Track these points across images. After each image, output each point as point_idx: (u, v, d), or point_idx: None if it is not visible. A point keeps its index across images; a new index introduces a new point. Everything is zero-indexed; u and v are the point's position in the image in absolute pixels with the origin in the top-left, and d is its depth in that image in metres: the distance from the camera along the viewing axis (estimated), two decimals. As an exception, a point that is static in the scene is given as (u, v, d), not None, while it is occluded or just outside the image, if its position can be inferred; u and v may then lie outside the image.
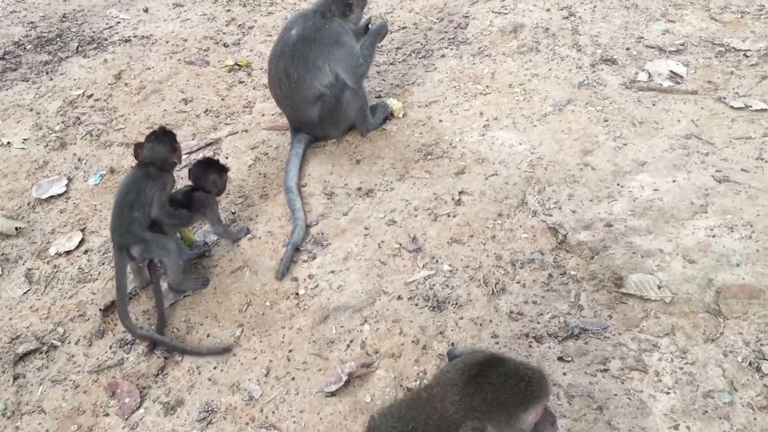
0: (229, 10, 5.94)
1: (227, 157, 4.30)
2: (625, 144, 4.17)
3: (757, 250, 3.39)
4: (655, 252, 3.43)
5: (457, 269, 3.44)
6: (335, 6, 4.12)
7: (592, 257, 3.47)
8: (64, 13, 5.97)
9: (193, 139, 4.44)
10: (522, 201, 3.80)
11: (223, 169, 3.59)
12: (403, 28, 5.64)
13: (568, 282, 3.35)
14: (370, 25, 4.34)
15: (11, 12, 6.04)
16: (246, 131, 4.51)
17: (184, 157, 4.26)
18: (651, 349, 3.02)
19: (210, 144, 4.40)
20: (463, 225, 3.68)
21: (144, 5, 6.03)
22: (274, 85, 4.17)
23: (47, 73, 5.11)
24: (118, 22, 5.80)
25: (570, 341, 3.07)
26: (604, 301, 3.24)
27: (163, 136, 3.34)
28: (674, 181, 3.85)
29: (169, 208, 3.33)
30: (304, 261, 3.54)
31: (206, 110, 4.70)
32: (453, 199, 3.84)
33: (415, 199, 3.86)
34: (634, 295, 3.24)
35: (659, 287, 3.25)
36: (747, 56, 4.92)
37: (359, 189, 3.97)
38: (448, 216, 3.74)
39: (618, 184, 3.87)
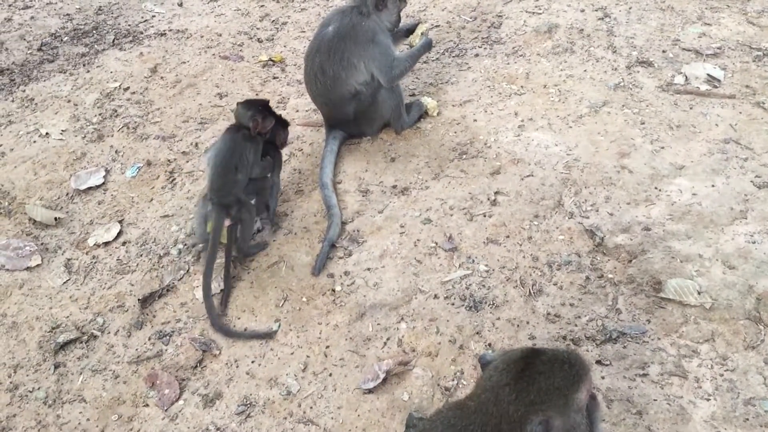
0: (262, 6, 5.95)
1: (262, 153, 4.30)
2: (663, 147, 4.13)
3: (799, 258, 3.35)
4: (694, 257, 3.41)
5: (493, 269, 3.43)
6: (370, 1, 4.11)
7: (630, 261, 3.45)
8: (100, 6, 6.01)
9: (228, 134, 4.44)
10: (558, 203, 3.79)
11: (285, 123, 3.83)
12: (436, 26, 5.63)
13: (605, 285, 3.33)
14: (413, 34, 4.33)
15: (47, 3, 6.09)
16: (281, 127, 4.50)
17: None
18: (691, 355, 2.99)
19: (245, 139, 4.39)
20: (499, 225, 3.67)
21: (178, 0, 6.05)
22: (310, 81, 4.18)
23: (84, 65, 5.16)
24: (153, 16, 5.84)
25: (608, 345, 3.06)
26: (642, 306, 3.22)
27: (253, 105, 3.60)
28: (713, 186, 3.82)
29: (262, 162, 3.60)
30: (340, 258, 3.54)
31: (241, 105, 4.70)
32: (489, 199, 3.83)
33: (451, 198, 3.85)
34: (673, 300, 3.21)
35: (699, 293, 3.23)
36: (785, 61, 4.86)
37: (394, 187, 3.97)
38: (484, 216, 3.73)
39: (656, 188, 3.84)
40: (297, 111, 4.68)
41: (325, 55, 4.05)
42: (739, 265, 3.35)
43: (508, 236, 3.61)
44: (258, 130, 3.54)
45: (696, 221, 3.61)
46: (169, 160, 4.21)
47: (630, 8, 5.61)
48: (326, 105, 4.20)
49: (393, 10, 4.28)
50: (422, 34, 4.45)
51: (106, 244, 3.70)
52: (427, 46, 4.42)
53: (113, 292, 3.43)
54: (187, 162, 4.22)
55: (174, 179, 4.10)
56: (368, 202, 3.88)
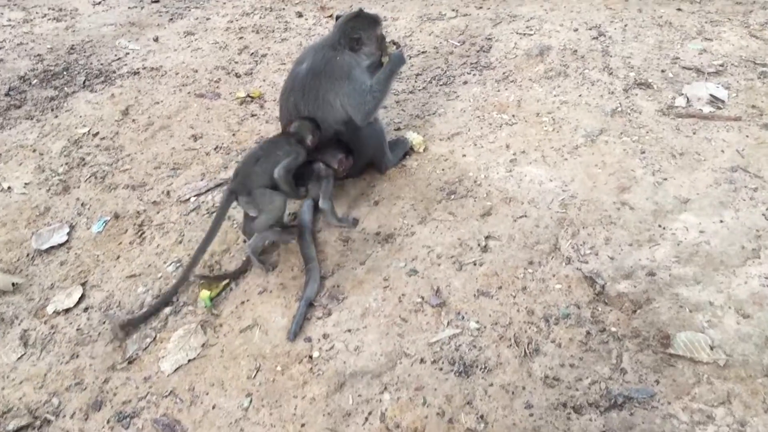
0: (241, 38, 5.70)
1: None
2: (665, 179, 3.84)
3: (820, 302, 3.04)
4: (704, 305, 3.10)
5: (485, 326, 3.13)
6: (344, 39, 3.84)
7: (635, 311, 3.14)
8: (73, 45, 5.77)
9: (202, 180, 4.19)
10: (554, 246, 3.49)
11: (351, 151, 3.77)
12: (423, 52, 5.36)
13: (608, 341, 3.03)
14: (383, 58, 4.03)
15: (18, 44, 5.86)
16: (258, 169, 4.23)
17: (193, 199, 4.02)
18: (705, 421, 2.69)
19: (219, 185, 4.13)
20: (491, 275, 3.37)
21: (154, 34, 5.81)
22: (286, 122, 3.90)
23: (52, 109, 4.90)
24: (127, 53, 5.59)
25: (613, 412, 2.75)
26: (649, 364, 2.91)
27: (310, 120, 3.69)
28: (722, 222, 3.52)
29: (289, 177, 3.50)
30: (319, 318, 3.25)
31: (216, 147, 4.45)
32: (479, 244, 3.53)
33: (438, 245, 3.56)
34: (683, 356, 2.91)
35: (711, 348, 2.92)
36: (793, 77, 4.56)
37: (378, 234, 3.68)
38: (474, 264, 3.44)
39: (660, 226, 3.54)
40: (276, 151, 4.38)
41: (299, 93, 3.78)
42: (754, 313, 3.05)
43: (500, 287, 3.31)
44: (313, 144, 3.62)
45: (705, 263, 3.31)
46: (138, 212, 3.94)
47: (626, 25, 5.33)
48: (304, 146, 3.91)
49: (370, 43, 3.99)
50: (389, 45, 4.03)
51: (67, 311, 3.42)
52: (397, 62, 3.98)
53: (71, 368, 3.14)
54: (158, 213, 3.94)
55: (143, 233, 3.83)
56: (350, 252, 3.60)
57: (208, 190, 4.11)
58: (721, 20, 5.41)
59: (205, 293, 3.41)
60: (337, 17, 3.99)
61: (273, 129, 4.62)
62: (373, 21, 3.94)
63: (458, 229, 3.65)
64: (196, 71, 5.25)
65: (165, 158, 4.37)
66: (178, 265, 3.62)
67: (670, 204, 3.68)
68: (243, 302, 3.39)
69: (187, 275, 3.44)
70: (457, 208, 3.80)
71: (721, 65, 4.84)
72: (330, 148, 3.72)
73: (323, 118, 3.76)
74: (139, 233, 3.84)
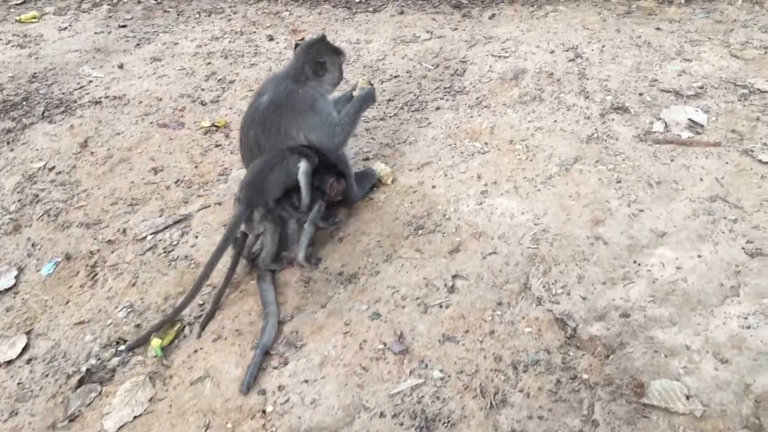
0: (209, 63, 5.53)
1: (197, 237, 3.85)
2: (642, 210, 3.67)
3: (802, 345, 2.87)
4: (680, 349, 2.93)
5: (449, 375, 2.95)
6: (307, 67, 3.69)
7: (608, 356, 2.97)
8: (35, 73, 5.60)
9: (160, 216, 4.00)
10: (525, 285, 3.31)
11: (342, 175, 3.72)
12: (395, 77, 5.20)
13: (579, 389, 2.85)
14: (354, 92, 3.89)
15: (-21, 74, 5.68)
16: (219, 204, 4.07)
17: (149, 237, 3.84)
18: (681, 481, 2.50)
19: (178, 221, 3.96)
20: (457, 318, 3.19)
21: (119, 61, 5.64)
22: (246, 156, 3.73)
23: (9, 143, 4.72)
24: (90, 81, 5.41)
25: (583, 471, 2.56)
26: (622, 415, 2.74)
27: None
28: (699, 257, 3.35)
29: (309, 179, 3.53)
30: (275, 368, 3.07)
31: (177, 180, 4.27)
32: (446, 285, 3.36)
33: (403, 286, 3.38)
34: (657, 407, 2.74)
35: (687, 397, 2.75)
36: (774, 99, 4.41)
37: (341, 274, 3.50)
38: (440, 307, 3.26)
39: (635, 262, 3.37)
40: (239, 184, 4.20)
41: (260, 127, 3.61)
42: (733, 358, 2.87)
43: (467, 331, 3.13)
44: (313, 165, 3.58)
45: (681, 303, 3.14)
46: (91, 252, 3.75)
47: (603, 46, 5.18)
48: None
49: (334, 71, 3.84)
50: (362, 82, 3.96)
51: (9, 362, 3.23)
52: (368, 97, 3.93)
53: (9, 426, 2.94)
54: (112, 253, 3.76)
55: (95, 275, 3.64)
56: (310, 294, 3.41)
57: (165, 227, 3.92)
58: (701, 39, 5.27)
59: (156, 341, 3.23)
60: (296, 45, 3.83)
61: (237, 159, 4.44)
62: (337, 50, 3.82)
63: (425, 267, 3.48)
64: (161, 99, 5.08)
65: (123, 193, 4.19)
66: (129, 310, 3.44)
67: (646, 238, 3.51)
68: (196, 350, 3.21)
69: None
70: (425, 245, 3.62)
71: (701, 87, 4.70)
72: (321, 172, 3.64)
73: (284, 153, 3.61)
74: (91, 275, 3.65)
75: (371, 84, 3.99)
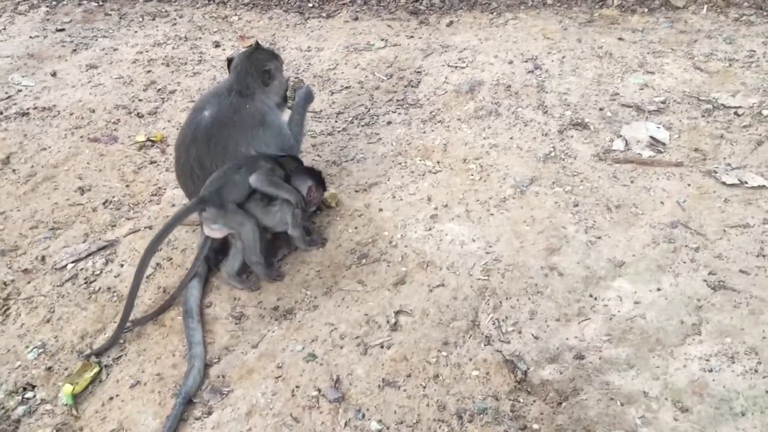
0: (149, 71, 5.19)
1: (122, 265, 3.53)
2: (599, 237, 3.44)
3: (766, 391, 2.65)
4: (638, 396, 2.70)
5: (388, 427, 2.69)
6: (252, 79, 3.42)
7: (560, 403, 2.73)
8: (-39, 82, 5.21)
9: (84, 242, 3.68)
10: (473, 322, 3.06)
11: (322, 182, 3.55)
12: (346, 88, 4.92)
13: (529, 442, 2.59)
14: (288, 94, 3.63)
15: None
16: (150, 228, 3.76)
17: (70, 266, 3.51)
18: None
19: (103, 248, 3.64)
20: (399, 360, 2.93)
21: (53, 68, 5.28)
22: (185, 176, 3.43)
23: (-77, 159, 4.35)
24: (20, 90, 5.05)
25: None
26: (574, 472, 2.48)
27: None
28: (659, 290, 3.13)
29: (273, 179, 3.31)
30: (197, 419, 2.78)
31: (105, 201, 3.95)
32: (388, 322, 3.09)
33: (343, 323, 3.11)
34: (612, 464, 2.48)
35: (644, 453, 2.50)
36: (738, 115, 4.24)
37: (275, 309, 3.22)
38: (382, 347, 2.99)
39: (591, 296, 3.14)
40: (173, 205, 3.92)
41: (202, 145, 3.32)
42: (694, 406, 2.65)
43: (409, 375, 2.87)
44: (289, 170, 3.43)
45: (639, 342, 2.91)
46: (4, 283, 3.43)
47: (564, 57, 4.96)
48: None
49: (280, 77, 3.59)
50: (294, 83, 3.78)
51: None
52: (307, 98, 3.85)
53: None
54: (28, 284, 3.44)
55: (7, 309, 3.33)
56: (241, 332, 3.12)
57: (88, 255, 3.60)
58: (664, 51, 5.07)
59: (67, 388, 2.92)
60: (229, 60, 3.55)
61: (173, 177, 4.12)
62: (275, 54, 3.67)
63: (367, 301, 3.21)
64: (94, 111, 4.74)
65: (44, 216, 3.85)
66: (40, 351, 3.12)
67: (603, 268, 3.28)
68: (111, 398, 2.90)
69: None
70: (368, 275, 3.35)
71: (663, 102, 4.49)
72: (300, 175, 3.45)
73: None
74: (3, 309, 3.34)
75: (302, 82, 3.82)
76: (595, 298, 3.14)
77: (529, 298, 3.17)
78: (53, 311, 3.33)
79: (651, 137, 4.20)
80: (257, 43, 3.64)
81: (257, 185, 3.27)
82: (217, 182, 3.24)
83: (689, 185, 3.80)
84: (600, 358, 2.87)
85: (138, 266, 3.13)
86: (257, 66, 3.46)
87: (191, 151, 3.35)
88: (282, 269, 3.43)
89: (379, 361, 2.95)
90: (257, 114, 3.39)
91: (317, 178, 3.50)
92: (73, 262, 3.59)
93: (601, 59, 5.06)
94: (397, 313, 3.15)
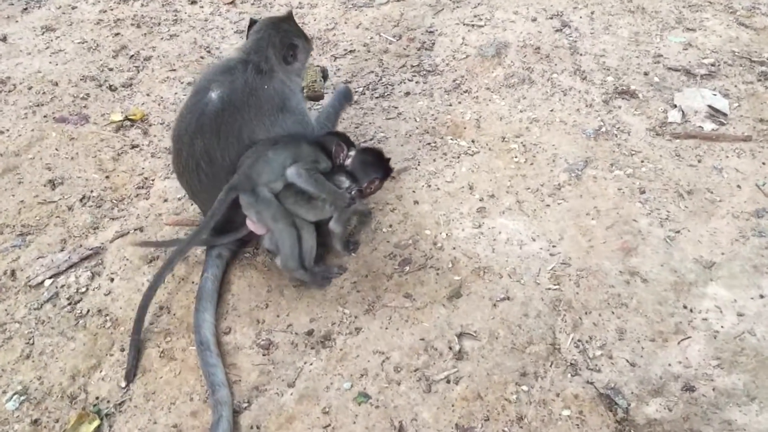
0: (117, 34, 4.44)
1: (112, 279, 2.90)
2: (678, 232, 2.94)
3: None
4: (768, 438, 2.21)
5: (473, 490, 2.15)
6: (274, 51, 2.75)
7: (674, 449, 2.22)
8: None
9: (62, 250, 3.03)
10: (552, 345, 2.54)
11: (389, 172, 2.89)
12: (350, 51, 4.26)
13: (646, 503, 2.10)
14: (314, 80, 3.02)
15: None
16: (141, 230, 3.11)
17: (48, 282, 2.86)
18: None
19: (86, 258, 2.99)
20: (472, 398, 2.41)
21: (1, 32, 4.46)
22: (189, 172, 2.78)
23: None
24: (-38, 60, 4.25)
25: None
26: None
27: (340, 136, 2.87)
28: (762, 297, 2.67)
29: (315, 177, 2.67)
30: (232, 487, 2.20)
31: (83, 197, 3.28)
32: (451, 348, 2.56)
33: (395, 350, 2.56)
34: None
35: None
36: (798, 78, 3.73)
37: (310, 334, 2.64)
38: (448, 382, 2.46)
39: (685, 307, 2.64)
40: (165, 200, 3.27)
41: (211, 136, 2.67)
42: (837, 449, 2.17)
43: (487, 418, 2.36)
44: (338, 157, 2.81)
45: (756, 366, 2.45)
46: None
47: (592, 12, 4.38)
48: (216, 205, 2.80)
49: (303, 60, 2.94)
50: (312, 72, 3.26)
51: None
52: (346, 96, 3.31)
53: None
54: (-4, 307, 2.77)
55: (-29, 341, 2.66)
56: (273, 366, 2.55)
57: (69, 267, 2.96)
58: (701, 4, 4.53)
59: (62, 450, 2.29)
60: (252, 21, 2.89)
61: (162, 165, 3.47)
62: (306, 36, 3.03)
63: (420, 321, 2.66)
64: (57, 84, 4.00)
65: (10, 218, 3.18)
66: (22, 397, 2.49)
67: (692, 272, 2.78)
68: (118, 461, 2.30)
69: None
70: (415, 287, 2.79)
71: (713, 64, 3.97)
72: (362, 162, 2.84)
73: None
74: (-32, 344, 2.66)
75: (324, 70, 3.34)
76: (691, 310, 2.65)
77: (613, 312, 2.66)
78: (32, 343, 2.70)
79: (709, 107, 3.69)
80: (290, 13, 2.97)
81: (296, 180, 2.66)
82: (248, 162, 2.65)
83: (764, 163, 3.33)
84: (714, 389, 2.39)
85: (150, 284, 2.65)
86: (282, 38, 2.80)
87: (196, 144, 2.70)
88: (332, 269, 2.84)
89: (447, 401, 2.41)
90: (277, 97, 2.75)
91: (383, 167, 2.86)
92: (51, 277, 2.94)
93: (633, 14, 4.50)
94: (460, 336, 2.61)
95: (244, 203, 2.64)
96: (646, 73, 3.96)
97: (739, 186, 3.22)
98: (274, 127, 2.74)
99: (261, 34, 2.82)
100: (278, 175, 2.64)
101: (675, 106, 3.72)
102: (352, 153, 2.81)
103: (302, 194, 2.66)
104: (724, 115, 3.66)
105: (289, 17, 2.94)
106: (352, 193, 2.68)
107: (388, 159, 2.85)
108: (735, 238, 2.95)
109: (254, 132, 2.71)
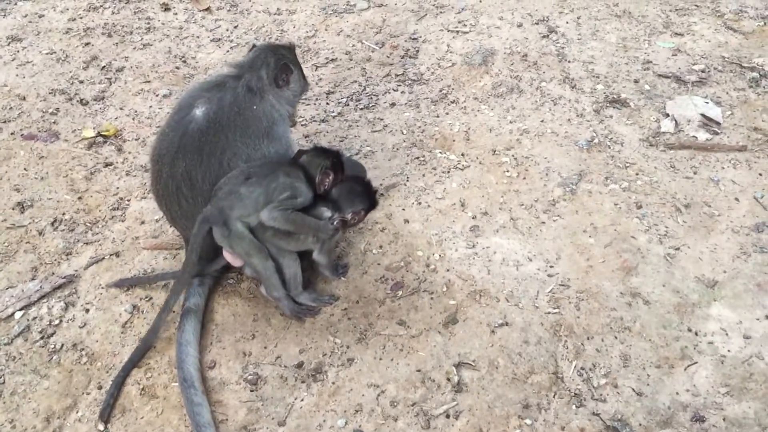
0: (87, 44, 4.25)
1: (87, 310, 2.73)
2: (678, 248, 2.85)
3: None
4: (784, 472, 2.12)
5: None
6: (267, 71, 2.61)
7: (686, 484, 2.12)
8: None
9: (33, 279, 2.85)
10: (555, 374, 2.43)
11: (374, 204, 2.72)
12: (332, 60, 4.11)
13: None
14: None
15: None
16: (117, 255, 2.95)
17: (18, 314, 2.69)
18: None
19: (59, 287, 2.82)
20: (474, 434, 2.26)
21: (-36, 42, 4.25)
22: (169, 196, 2.63)
23: None
24: (-77, 73, 4.03)
25: None
26: None
27: (328, 154, 2.65)
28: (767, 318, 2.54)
29: (291, 217, 2.50)
30: None
31: (54, 221, 3.10)
32: (449, 379, 2.44)
33: (390, 383, 2.44)
34: None
35: None
36: (789, 84, 3.67)
37: (299, 366, 2.50)
38: (447, 417, 2.34)
39: (689, 329, 2.55)
40: (143, 222, 3.10)
41: (193, 156, 2.52)
42: None
43: (490, 455, 2.21)
44: (323, 187, 2.61)
45: (766, 392, 2.34)
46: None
47: (578, 17, 4.28)
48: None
49: (296, 92, 2.79)
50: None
51: None
52: None
53: None
54: (-38, 345, 2.58)
55: (-61, 383, 2.47)
56: (261, 402, 2.40)
57: (41, 297, 2.79)
58: (687, 7, 4.45)
59: (36, 503, 2.12)
60: (254, 46, 2.75)
61: (137, 183, 3.31)
62: (301, 68, 2.89)
63: (415, 350, 2.53)
64: (24, 98, 3.80)
65: (-24, 246, 2.98)
66: (-7, 447, 2.31)
67: (695, 291, 2.69)
68: None
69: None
70: (409, 312, 2.66)
71: (703, 71, 3.89)
72: (348, 191, 2.67)
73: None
74: (-67, 384, 2.48)
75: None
76: (696, 333, 2.56)
77: (616, 337, 2.55)
78: (3, 382, 2.54)
79: (702, 115, 3.61)
80: (292, 44, 2.85)
81: (271, 224, 2.50)
82: (220, 194, 2.51)
83: (761, 174, 3.25)
84: (724, 419, 2.30)
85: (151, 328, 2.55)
86: (278, 59, 2.66)
87: (177, 164, 2.54)
88: (323, 298, 2.71)
89: (448, 438, 2.28)
90: (265, 119, 2.61)
91: (370, 198, 2.70)
92: (21, 309, 2.77)
93: (620, 19, 4.41)
94: (458, 365, 2.49)
95: (217, 236, 2.50)
96: (636, 81, 3.86)
97: (737, 199, 3.13)
98: (256, 152, 2.60)
99: (257, 53, 2.69)
100: (252, 210, 2.49)
101: (667, 115, 3.64)
102: (338, 178, 2.66)
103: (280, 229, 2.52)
104: (718, 123, 3.57)
105: (290, 47, 2.82)
106: (335, 223, 2.52)
107: (376, 190, 2.69)
108: (736, 254, 2.86)
109: (235, 155, 2.56)
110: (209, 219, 2.48)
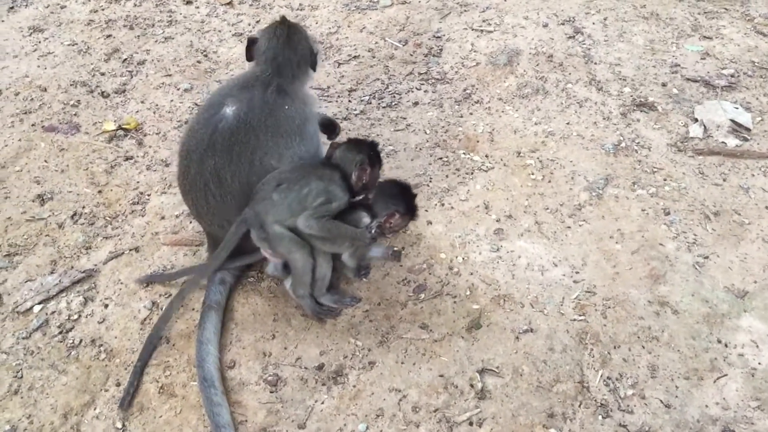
0: (109, 36, 4.22)
1: (106, 305, 2.70)
2: (706, 257, 2.78)
3: None
4: (817, 490, 2.06)
5: None
6: (299, 66, 2.58)
7: (716, 501, 2.07)
8: None
9: (52, 272, 2.82)
10: (581, 383, 2.38)
11: (413, 210, 2.57)
12: (355, 57, 4.07)
13: None
14: None
15: None
16: (137, 249, 2.91)
17: (37, 308, 2.66)
18: None
19: (78, 281, 2.79)
20: (498, 443, 2.22)
21: (-14, 32, 4.23)
22: (196, 192, 2.59)
23: None
24: (-54, 62, 4.01)
25: None
26: None
27: (362, 147, 2.59)
28: (799, 330, 2.48)
29: (328, 225, 2.46)
30: None
31: (74, 214, 3.08)
32: (473, 386, 2.39)
33: (412, 388, 2.39)
34: None
35: None
36: (822, 90, 3.58)
37: (320, 368, 2.46)
38: (471, 424, 2.30)
39: (719, 341, 2.48)
40: (163, 218, 3.07)
41: (223, 155, 2.49)
42: None
43: (514, 465, 2.16)
44: (360, 183, 2.55)
45: (797, 408, 2.27)
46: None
47: (605, 18, 4.21)
48: (223, 228, 2.60)
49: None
50: None
51: None
52: None
53: None
54: (-20, 337, 2.56)
55: (-43, 376, 2.45)
56: (281, 404, 2.36)
57: (60, 291, 2.76)
58: (716, 11, 4.37)
59: (53, 501, 2.10)
60: (251, 41, 2.73)
61: (158, 178, 3.27)
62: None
63: (438, 355, 2.48)
64: (45, 90, 3.78)
65: (-5, 237, 2.96)
66: (10, 440, 2.29)
67: (725, 302, 2.62)
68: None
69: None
70: (432, 315, 2.62)
71: (733, 75, 3.81)
72: (385, 193, 2.58)
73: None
74: (-50, 377, 2.46)
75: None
76: (726, 345, 2.49)
77: (644, 347, 2.50)
78: (21, 377, 2.50)
79: (731, 121, 3.54)
80: (283, 19, 2.78)
81: (308, 232, 2.46)
82: (257, 197, 2.48)
83: (792, 183, 3.15)
84: (755, 433, 2.22)
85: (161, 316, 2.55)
86: (302, 50, 2.62)
87: (207, 162, 2.51)
88: (345, 299, 2.67)
89: (471, 446, 2.23)
90: (298, 118, 2.57)
91: (408, 201, 2.61)
92: (40, 303, 2.74)
93: (647, 21, 4.33)
94: (482, 372, 2.43)
95: (255, 238, 2.48)
96: (664, 84, 3.80)
97: (767, 207, 3.06)
98: (287, 151, 2.55)
99: (280, 55, 2.66)
100: (287, 216, 2.45)
101: (696, 119, 3.57)
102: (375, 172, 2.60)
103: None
104: (748, 130, 3.51)
105: (288, 24, 2.79)
106: (373, 231, 2.46)
107: (415, 195, 2.60)
108: (767, 264, 2.79)
109: (267, 154, 2.53)
110: (247, 221, 2.45)
